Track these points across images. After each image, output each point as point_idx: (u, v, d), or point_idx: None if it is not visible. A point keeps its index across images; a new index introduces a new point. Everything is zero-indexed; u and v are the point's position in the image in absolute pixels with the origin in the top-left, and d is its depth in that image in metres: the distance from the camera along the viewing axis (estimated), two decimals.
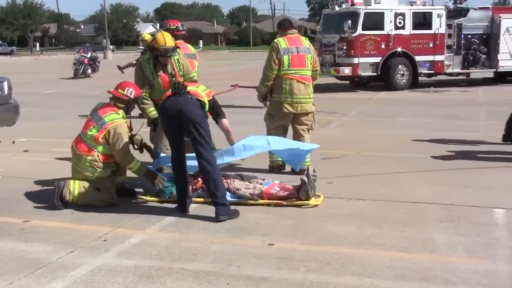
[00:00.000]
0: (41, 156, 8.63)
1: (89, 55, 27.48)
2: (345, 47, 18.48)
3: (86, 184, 5.91)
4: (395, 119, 12.44)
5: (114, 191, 5.98)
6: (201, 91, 5.83)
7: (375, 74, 18.97)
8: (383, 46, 18.59)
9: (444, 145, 9.22)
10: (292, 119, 7.11)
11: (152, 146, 6.44)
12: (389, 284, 4.00)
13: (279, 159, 7.07)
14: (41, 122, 12.28)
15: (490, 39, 20.02)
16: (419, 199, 6.01)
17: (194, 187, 6.02)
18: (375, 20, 18.66)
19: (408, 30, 18.89)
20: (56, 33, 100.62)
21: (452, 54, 19.71)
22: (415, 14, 19.16)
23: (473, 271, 4.18)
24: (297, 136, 7.06)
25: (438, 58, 19.39)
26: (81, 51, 27.82)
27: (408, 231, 5.06)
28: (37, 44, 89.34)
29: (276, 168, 7.22)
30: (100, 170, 5.98)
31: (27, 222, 5.47)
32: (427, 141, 9.58)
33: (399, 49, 18.75)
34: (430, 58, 19.31)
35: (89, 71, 27.01)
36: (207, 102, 5.78)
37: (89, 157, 5.94)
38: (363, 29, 18.40)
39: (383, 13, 18.68)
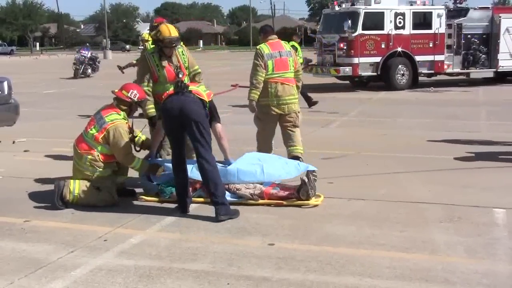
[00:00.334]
0: (41, 156, 8.62)
1: (89, 55, 27.49)
2: (345, 47, 18.48)
3: (87, 184, 5.92)
4: (395, 119, 12.44)
5: (114, 191, 5.99)
6: (202, 91, 5.84)
7: (375, 74, 18.97)
8: (383, 46, 18.60)
9: (444, 145, 9.22)
10: (278, 119, 7.19)
11: None
12: (389, 284, 4.00)
13: None
14: (41, 122, 12.29)
15: (490, 39, 20.03)
16: (419, 199, 6.01)
17: (194, 187, 6.02)
18: (375, 20, 18.67)
19: (408, 30, 18.89)
20: (56, 33, 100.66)
21: (452, 54, 19.73)
22: (415, 14, 19.16)
23: (473, 271, 4.18)
24: (287, 135, 7.07)
25: (438, 58, 19.40)
26: (81, 51, 27.82)
27: (408, 231, 5.06)
28: (37, 44, 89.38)
29: None
30: (100, 169, 5.99)
31: (27, 222, 5.47)
32: (427, 141, 9.58)
33: (399, 49, 18.75)
34: (430, 58, 19.31)
35: (89, 71, 27.02)
36: (208, 102, 5.79)
37: (89, 156, 5.94)
38: (363, 29, 18.41)
39: (383, 13, 18.68)
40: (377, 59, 18.63)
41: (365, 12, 18.48)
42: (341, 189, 6.45)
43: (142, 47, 12.14)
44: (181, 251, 4.66)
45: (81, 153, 5.97)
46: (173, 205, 5.85)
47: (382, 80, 19.17)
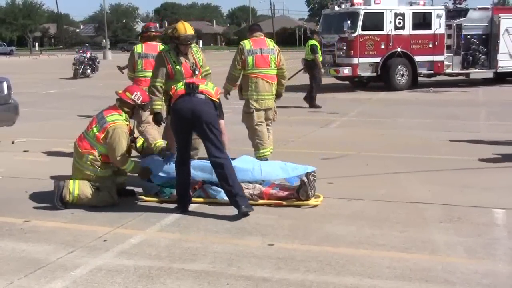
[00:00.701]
0: (41, 156, 8.62)
1: (88, 55, 27.50)
2: (344, 47, 18.48)
3: (86, 184, 5.91)
4: (395, 119, 12.44)
5: (114, 191, 5.99)
6: (211, 89, 5.84)
7: (374, 74, 18.97)
8: (382, 46, 18.59)
9: (444, 145, 9.23)
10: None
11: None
12: (389, 284, 4.00)
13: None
14: (40, 122, 12.28)
15: (489, 40, 20.03)
16: (419, 200, 6.01)
17: (193, 187, 6.02)
18: (374, 20, 18.66)
19: (407, 30, 18.89)
20: (56, 33, 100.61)
21: (451, 54, 19.72)
22: (414, 14, 19.16)
23: (473, 271, 4.18)
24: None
25: (438, 58, 19.40)
26: (80, 51, 27.84)
27: (408, 231, 5.06)
28: (37, 44, 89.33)
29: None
30: (100, 169, 5.98)
31: (27, 222, 5.47)
32: (427, 141, 9.59)
33: (398, 49, 18.75)
34: (429, 58, 19.31)
35: (89, 71, 27.04)
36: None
37: (90, 156, 5.94)
38: (363, 29, 18.41)
39: (382, 13, 18.68)
40: (377, 59, 18.63)
41: (364, 13, 18.48)
42: (341, 189, 6.45)
43: None
44: (181, 251, 4.65)
45: (82, 152, 5.97)
46: (173, 205, 5.85)
47: (382, 80, 19.17)
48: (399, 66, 18.87)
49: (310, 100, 14.76)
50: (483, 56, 20.04)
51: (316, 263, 4.35)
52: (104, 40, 60.91)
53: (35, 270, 4.30)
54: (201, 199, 5.97)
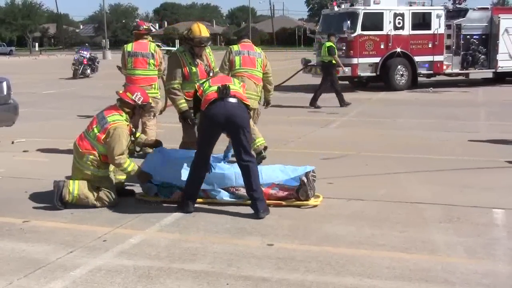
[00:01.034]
0: (40, 156, 8.62)
1: (88, 55, 27.50)
2: (344, 48, 18.48)
3: (86, 184, 5.90)
4: (394, 119, 12.44)
5: (114, 191, 5.98)
6: (239, 89, 5.83)
7: (374, 74, 18.99)
8: (382, 47, 18.61)
9: (443, 145, 9.23)
10: None
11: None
12: (389, 284, 4.00)
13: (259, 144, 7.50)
14: (40, 122, 12.27)
15: (489, 40, 20.04)
16: (419, 200, 6.01)
17: None
18: (374, 21, 18.68)
19: (407, 30, 18.91)
20: (55, 33, 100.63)
21: (451, 54, 19.73)
22: (414, 15, 19.18)
23: (473, 271, 4.18)
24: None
25: (437, 58, 19.41)
26: (80, 51, 27.84)
27: (408, 231, 5.06)
28: (36, 44, 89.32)
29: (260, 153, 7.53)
30: (101, 169, 5.98)
31: (26, 222, 5.46)
32: (427, 141, 9.59)
33: (398, 50, 18.77)
34: (429, 58, 19.32)
35: (88, 71, 27.05)
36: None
37: (91, 156, 5.93)
38: (362, 29, 18.42)
39: (382, 13, 18.69)
40: (376, 59, 18.64)
41: (364, 13, 18.49)
42: (340, 190, 6.45)
43: None
44: (181, 251, 4.65)
45: (83, 152, 5.96)
46: (173, 205, 5.85)
47: (382, 80, 19.18)
48: (399, 66, 18.89)
49: (313, 99, 14.72)
50: (482, 56, 20.05)
51: (316, 263, 4.35)
52: (104, 40, 60.89)
53: (35, 270, 4.30)
54: (201, 199, 5.97)
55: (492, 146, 9.07)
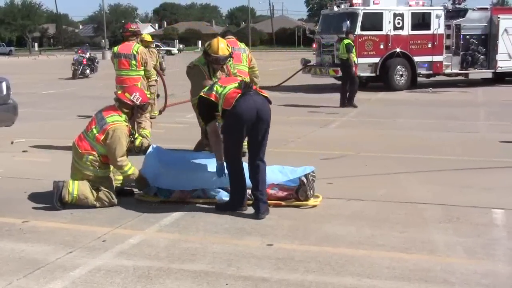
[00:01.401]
0: (40, 157, 8.62)
1: (87, 55, 27.50)
2: None
3: (86, 185, 5.90)
4: (394, 119, 12.45)
5: (113, 192, 5.98)
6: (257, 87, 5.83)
7: (374, 74, 18.99)
8: (381, 47, 18.61)
9: (443, 145, 9.23)
10: None
11: None
12: (389, 284, 3.99)
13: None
14: (40, 123, 12.27)
15: (488, 40, 20.05)
16: (418, 200, 6.01)
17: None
18: (373, 21, 18.68)
19: (406, 30, 18.91)
20: (55, 33, 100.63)
21: (450, 54, 19.73)
22: (413, 15, 19.19)
23: (473, 271, 4.18)
24: None
25: (437, 58, 19.42)
26: (79, 51, 27.83)
27: (408, 231, 5.06)
28: (36, 44, 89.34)
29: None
30: (100, 170, 5.98)
31: (26, 222, 5.46)
32: (427, 141, 9.59)
33: (398, 50, 18.78)
34: (429, 58, 19.32)
35: (88, 71, 27.05)
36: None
37: (90, 156, 5.93)
38: (362, 29, 18.42)
39: (381, 13, 18.70)
40: (376, 59, 18.65)
41: (363, 13, 18.50)
42: (340, 190, 6.45)
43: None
44: (180, 252, 4.65)
45: (82, 152, 5.96)
46: (172, 206, 5.84)
47: (381, 80, 19.18)
48: (398, 66, 18.89)
49: (350, 100, 14.68)
50: (482, 56, 20.06)
51: (316, 263, 4.35)
52: (103, 40, 60.94)
53: (34, 270, 4.29)
54: (201, 200, 5.97)
55: (492, 146, 9.08)
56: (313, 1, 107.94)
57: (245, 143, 5.82)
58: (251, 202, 5.83)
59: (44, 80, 25.55)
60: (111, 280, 4.10)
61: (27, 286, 4.04)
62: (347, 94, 14.78)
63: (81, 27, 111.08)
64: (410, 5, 19.48)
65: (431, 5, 21.05)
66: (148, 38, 12.74)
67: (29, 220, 5.52)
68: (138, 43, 9.24)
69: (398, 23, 18.80)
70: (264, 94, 5.63)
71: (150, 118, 9.26)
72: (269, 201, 5.86)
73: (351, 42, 14.98)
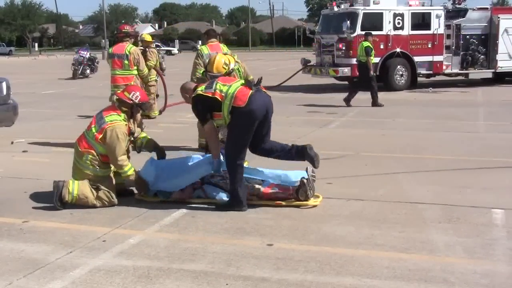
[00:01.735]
0: (40, 157, 8.62)
1: (87, 55, 27.50)
2: (344, 48, 18.50)
3: (86, 184, 5.90)
4: (394, 119, 12.44)
5: (113, 192, 5.98)
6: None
7: (374, 74, 18.94)
8: (382, 47, 18.59)
9: (443, 145, 9.23)
10: None
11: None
12: (388, 284, 4.00)
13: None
14: (40, 123, 12.27)
15: (488, 40, 20.04)
16: (418, 200, 6.01)
17: (193, 187, 6.03)
18: (374, 21, 18.66)
19: (406, 30, 18.91)
20: (55, 33, 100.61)
21: (450, 54, 19.72)
22: (413, 15, 19.19)
23: (472, 271, 4.18)
24: None
25: (437, 58, 19.41)
26: (79, 51, 27.83)
27: (407, 231, 5.06)
28: (36, 44, 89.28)
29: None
30: (100, 169, 5.98)
31: (26, 222, 5.46)
32: (426, 141, 9.59)
33: (398, 50, 18.77)
34: (429, 58, 19.32)
35: (88, 71, 27.04)
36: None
37: (90, 156, 5.94)
38: (362, 29, 18.38)
39: (381, 13, 18.70)
40: (376, 59, 18.59)
41: (363, 13, 18.50)
42: (340, 190, 6.45)
43: (142, 47, 12.17)
44: (180, 252, 4.65)
45: (82, 151, 5.97)
46: (172, 206, 5.85)
47: (381, 80, 19.15)
48: (398, 66, 18.89)
49: (375, 101, 14.68)
50: (482, 56, 20.04)
51: (315, 263, 4.35)
52: (103, 41, 60.92)
53: (34, 270, 4.30)
54: (200, 199, 5.97)
55: (492, 146, 9.08)
56: (313, 1, 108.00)
57: None
58: (251, 202, 5.87)
59: (44, 80, 25.55)
60: (111, 280, 4.11)
61: (27, 286, 4.04)
62: (355, 94, 14.83)
63: (81, 27, 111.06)
64: (410, 5, 19.50)
65: (431, 5, 21.03)
66: (148, 38, 12.74)
67: (29, 220, 5.52)
68: (135, 43, 9.58)
69: (398, 23, 18.80)
70: (265, 90, 5.81)
71: (150, 118, 9.36)
72: (269, 201, 5.89)
73: (370, 45, 14.91)
